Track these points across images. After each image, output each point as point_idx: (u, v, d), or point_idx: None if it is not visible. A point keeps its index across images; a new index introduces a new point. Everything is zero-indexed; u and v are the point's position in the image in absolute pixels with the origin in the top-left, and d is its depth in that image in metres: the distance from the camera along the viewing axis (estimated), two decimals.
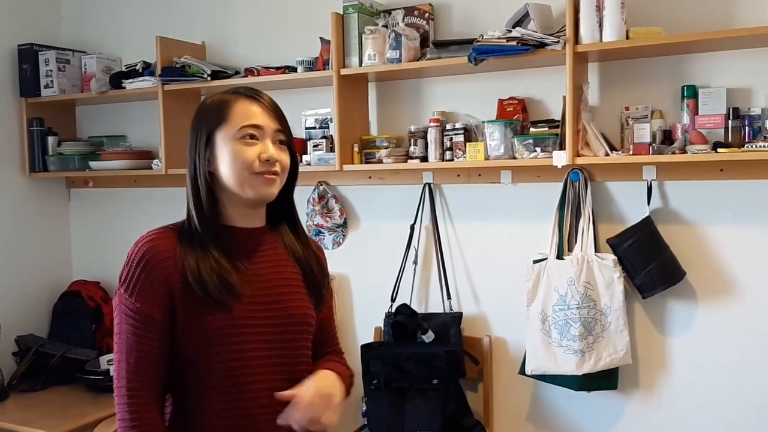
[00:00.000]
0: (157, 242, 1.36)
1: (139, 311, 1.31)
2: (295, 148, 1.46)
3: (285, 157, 1.40)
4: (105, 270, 3.46)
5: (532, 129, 2.42)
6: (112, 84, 3.10)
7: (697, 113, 2.23)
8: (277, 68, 2.79)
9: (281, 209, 1.48)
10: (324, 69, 2.67)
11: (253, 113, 1.36)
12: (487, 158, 2.44)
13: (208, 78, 2.85)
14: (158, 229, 1.41)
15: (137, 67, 3.07)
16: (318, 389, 1.35)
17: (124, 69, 3.17)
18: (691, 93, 2.25)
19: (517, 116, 2.48)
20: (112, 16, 3.43)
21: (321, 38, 2.70)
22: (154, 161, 3.08)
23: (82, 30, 3.50)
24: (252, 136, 1.36)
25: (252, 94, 1.40)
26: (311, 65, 2.72)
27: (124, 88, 3.06)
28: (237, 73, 2.94)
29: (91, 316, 3.28)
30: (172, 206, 3.19)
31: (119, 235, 3.44)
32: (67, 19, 3.55)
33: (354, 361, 2.60)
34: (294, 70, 2.75)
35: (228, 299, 1.33)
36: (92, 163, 3.22)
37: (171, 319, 1.33)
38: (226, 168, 1.36)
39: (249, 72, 2.82)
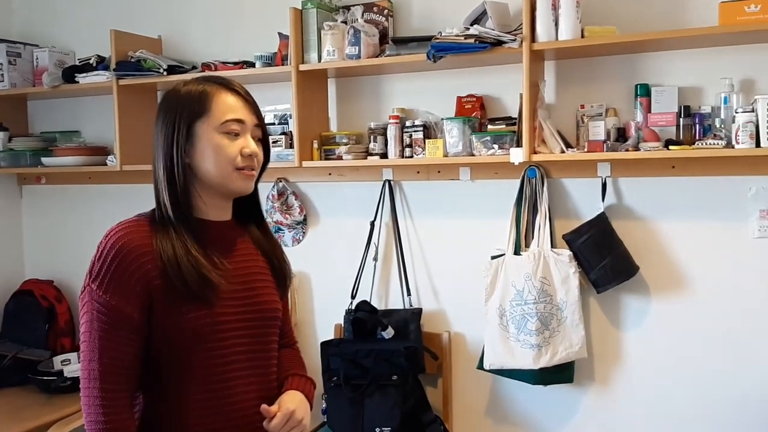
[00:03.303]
0: (132, 234, 1.30)
1: (114, 308, 1.26)
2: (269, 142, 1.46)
3: (260, 153, 1.40)
4: (58, 269, 3.39)
5: (489, 126, 2.44)
6: (65, 78, 3.03)
7: (650, 111, 2.28)
8: (235, 63, 2.76)
9: (246, 203, 1.47)
10: (282, 64, 2.65)
11: (235, 107, 1.35)
12: (446, 155, 2.45)
13: (165, 73, 2.81)
14: (130, 220, 1.35)
15: (91, 61, 3.01)
16: (296, 416, 1.37)
17: (77, 63, 3.11)
18: (644, 91, 2.30)
19: (475, 113, 2.50)
20: (65, 8, 3.35)
21: (279, 33, 2.68)
22: (109, 157, 3.02)
23: (33, 22, 3.41)
24: (234, 131, 1.35)
25: (230, 86, 1.37)
26: (269, 60, 2.70)
27: (78, 82, 2.99)
28: (194, 68, 2.91)
29: (44, 315, 3.20)
30: (127, 203, 3.14)
31: (73, 233, 3.38)
32: (18, 12, 3.45)
33: (314, 358, 2.61)
34: (252, 65, 2.73)
35: (209, 295, 1.30)
36: (45, 159, 3.14)
37: (147, 316, 1.29)
38: (207, 161, 1.33)
39: (206, 67, 2.79)
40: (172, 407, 1.32)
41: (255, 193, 1.46)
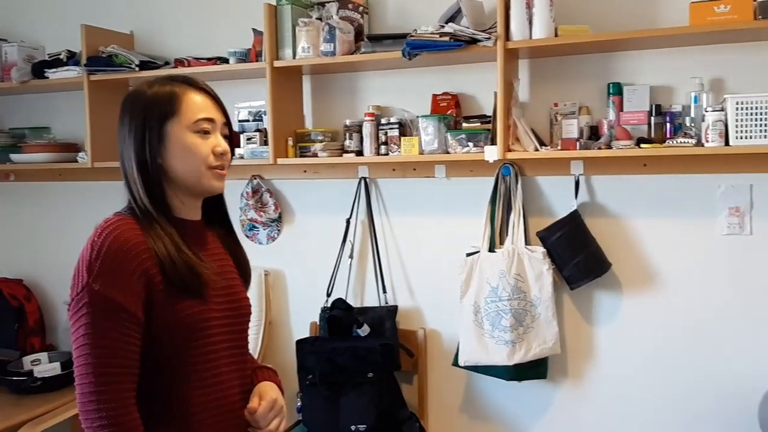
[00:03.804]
0: (127, 232, 1.28)
1: (119, 305, 1.23)
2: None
3: (229, 151, 1.41)
4: (28, 267, 3.33)
5: (464, 124, 2.45)
6: (35, 73, 2.98)
7: (622, 110, 2.30)
8: (209, 59, 2.74)
9: (212, 202, 1.47)
10: (257, 61, 2.63)
11: (205, 106, 1.36)
12: (421, 153, 2.46)
13: (137, 68, 2.77)
14: (115, 218, 1.32)
15: (61, 56, 2.97)
16: (278, 402, 1.43)
17: (47, 58, 3.05)
18: (616, 90, 2.32)
19: (450, 111, 2.51)
20: (35, 2, 3.28)
21: (254, 29, 2.67)
22: (80, 154, 2.98)
23: (1, 17, 3.34)
24: (205, 130, 1.35)
25: (197, 84, 1.38)
26: (244, 57, 2.68)
27: (47, 77, 2.95)
28: (167, 63, 2.87)
29: (14, 315, 3.14)
30: (99, 200, 3.12)
31: (43, 231, 3.32)
32: None
33: (289, 356, 2.60)
34: (226, 61, 2.71)
35: (202, 290, 1.32)
36: (14, 156, 3.09)
37: (147, 313, 1.27)
38: (180, 161, 1.33)
39: (179, 63, 2.76)
40: (173, 405, 1.32)
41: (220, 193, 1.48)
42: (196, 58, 2.75)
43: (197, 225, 1.42)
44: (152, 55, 2.91)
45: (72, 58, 2.94)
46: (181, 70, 2.70)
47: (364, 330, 2.55)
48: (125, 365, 1.24)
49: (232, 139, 1.45)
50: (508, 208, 2.47)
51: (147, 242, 1.28)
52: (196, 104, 1.35)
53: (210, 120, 1.36)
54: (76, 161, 2.98)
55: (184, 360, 1.31)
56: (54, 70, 2.93)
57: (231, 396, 1.39)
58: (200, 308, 1.32)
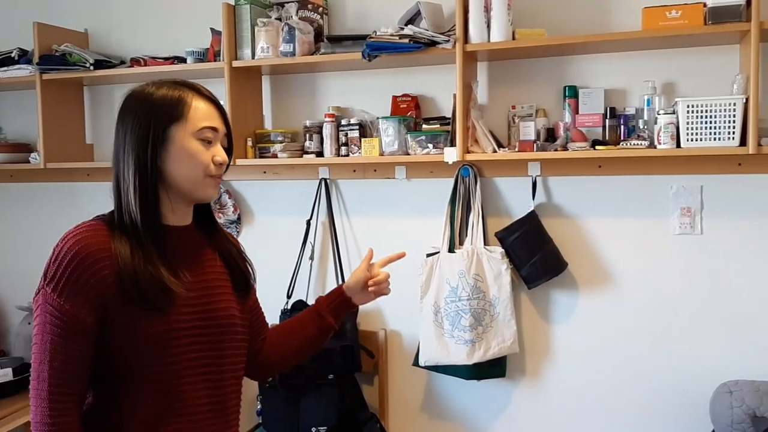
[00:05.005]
0: (90, 238, 1.28)
1: (68, 313, 1.24)
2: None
3: (227, 161, 1.42)
4: None
5: (424, 126, 2.47)
6: None
7: (577, 112, 2.35)
8: (166, 59, 2.70)
9: (199, 207, 1.46)
10: (215, 60, 2.61)
11: (211, 114, 1.36)
12: (381, 154, 2.47)
13: (91, 67, 2.72)
14: (87, 223, 1.33)
15: (12, 55, 2.89)
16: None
17: None
18: (572, 93, 2.37)
19: (410, 113, 2.53)
20: None
21: (212, 29, 2.64)
22: (32, 155, 2.90)
23: None
24: (208, 138, 1.35)
25: (204, 93, 1.37)
26: (202, 56, 2.65)
27: None
28: (122, 62, 2.83)
29: None
30: (52, 202, 3.04)
31: None
32: None
33: None
34: (183, 60, 2.68)
35: (166, 305, 1.29)
36: None
37: (101, 321, 1.27)
38: (179, 167, 1.33)
39: (135, 62, 2.72)
40: (124, 413, 1.30)
41: None
42: (153, 58, 2.71)
43: (183, 231, 1.40)
44: (107, 54, 2.86)
45: (24, 57, 2.87)
46: (137, 69, 2.66)
47: None
48: (67, 370, 1.25)
49: (231, 150, 1.43)
50: (467, 209, 2.50)
51: (111, 250, 1.27)
52: (203, 112, 1.35)
53: (213, 129, 1.35)
54: (29, 162, 2.90)
55: (139, 369, 1.29)
56: (5, 68, 2.86)
57: (195, 406, 1.35)
58: (161, 319, 1.29)
